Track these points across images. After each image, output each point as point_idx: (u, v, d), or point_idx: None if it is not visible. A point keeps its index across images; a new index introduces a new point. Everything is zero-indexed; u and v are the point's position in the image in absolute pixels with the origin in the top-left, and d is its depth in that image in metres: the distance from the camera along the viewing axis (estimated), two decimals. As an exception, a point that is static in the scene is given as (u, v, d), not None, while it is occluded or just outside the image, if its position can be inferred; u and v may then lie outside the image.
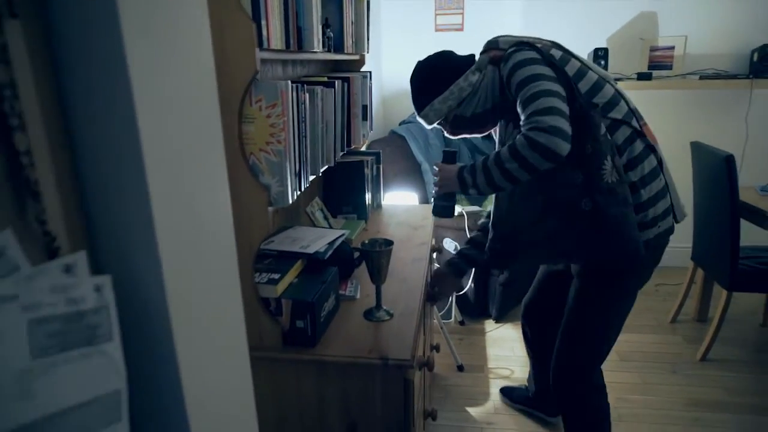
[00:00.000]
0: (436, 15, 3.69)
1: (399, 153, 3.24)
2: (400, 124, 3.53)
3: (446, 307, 2.89)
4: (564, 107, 1.29)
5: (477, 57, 1.56)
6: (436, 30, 3.69)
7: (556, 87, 1.32)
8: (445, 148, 1.53)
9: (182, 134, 0.53)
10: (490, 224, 1.59)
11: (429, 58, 1.58)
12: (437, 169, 1.54)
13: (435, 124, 1.61)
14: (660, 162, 1.48)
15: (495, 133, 1.65)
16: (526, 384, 2.28)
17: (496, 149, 1.43)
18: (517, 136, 1.31)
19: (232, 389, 0.64)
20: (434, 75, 1.54)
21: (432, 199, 1.72)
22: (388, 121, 3.75)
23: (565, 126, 1.26)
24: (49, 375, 0.41)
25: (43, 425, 0.41)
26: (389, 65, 3.70)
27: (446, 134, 1.65)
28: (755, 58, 3.13)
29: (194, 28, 0.54)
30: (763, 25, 3.17)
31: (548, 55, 1.40)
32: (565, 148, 1.26)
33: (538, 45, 1.44)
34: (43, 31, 0.42)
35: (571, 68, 1.43)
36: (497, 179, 1.36)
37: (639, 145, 1.44)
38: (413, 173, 3.21)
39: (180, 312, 0.52)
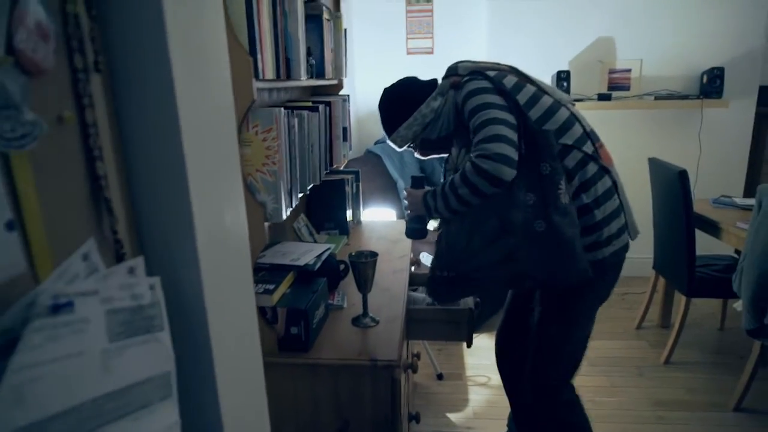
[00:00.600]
0: (407, 39, 3.86)
1: (375, 171, 3.37)
2: (375, 144, 3.67)
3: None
4: (512, 134, 1.35)
5: (440, 81, 1.64)
6: (408, 53, 3.86)
7: (505, 115, 1.38)
8: (414, 174, 1.64)
9: (213, 162, 0.63)
10: (434, 254, 1.59)
11: (393, 86, 1.66)
12: (406, 193, 1.63)
13: (405, 147, 1.69)
14: (614, 183, 1.51)
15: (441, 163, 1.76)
16: (507, 428, 2.16)
17: (444, 173, 1.57)
18: (466, 163, 1.38)
19: (250, 370, 0.75)
20: (398, 102, 1.61)
21: (405, 222, 1.79)
22: (363, 140, 3.88)
23: (511, 153, 1.32)
24: (122, 356, 0.51)
25: (118, 396, 0.50)
26: (363, 87, 3.84)
27: (416, 155, 1.74)
28: (705, 79, 3.37)
29: (222, 77, 0.66)
30: (712, 49, 3.42)
31: (499, 84, 1.46)
32: (508, 174, 1.32)
33: (492, 73, 1.49)
34: (110, 82, 0.52)
35: (523, 96, 1.47)
36: (453, 204, 1.43)
37: (592, 168, 1.47)
38: (389, 190, 3.34)
39: (214, 308, 0.63)
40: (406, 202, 1.62)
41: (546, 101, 1.49)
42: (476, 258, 1.49)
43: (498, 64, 1.59)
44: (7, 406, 0.38)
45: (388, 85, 1.69)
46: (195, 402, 0.64)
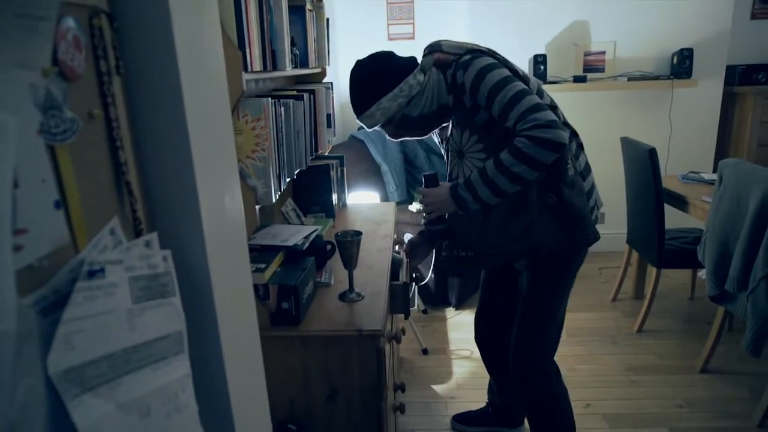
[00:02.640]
0: (388, 25, 3.93)
1: (359, 156, 3.45)
2: (358, 129, 3.75)
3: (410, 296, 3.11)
4: (540, 100, 1.36)
5: (419, 60, 1.57)
6: (389, 39, 3.93)
7: (525, 85, 1.38)
8: (424, 173, 1.56)
9: (214, 150, 0.72)
10: (445, 234, 1.59)
11: (372, 57, 1.54)
12: (422, 195, 1.54)
13: (377, 127, 1.58)
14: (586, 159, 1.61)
15: (438, 142, 1.71)
16: (486, 402, 2.23)
17: (448, 157, 1.54)
18: (518, 139, 1.34)
19: (248, 330, 0.85)
20: (379, 74, 1.50)
21: (424, 226, 1.70)
22: (346, 126, 3.96)
23: (556, 117, 1.33)
24: (143, 315, 0.60)
25: (141, 349, 0.60)
26: (345, 73, 3.90)
27: (387, 137, 1.64)
28: (675, 60, 3.50)
29: (219, 74, 0.74)
30: (682, 31, 3.54)
31: (504, 60, 1.46)
32: (566, 137, 1.32)
33: (486, 51, 1.49)
34: (127, 82, 0.61)
35: (530, 82, 1.49)
36: (505, 186, 1.38)
37: (574, 144, 1.55)
38: (373, 174, 3.43)
39: (218, 277, 0.72)
40: (420, 205, 1.57)
41: (533, 80, 1.52)
42: (494, 236, 1.52)
43: (478, 45, 1.55)
44: (61, 349, 0.48)
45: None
46: (203, 357, 0.73)
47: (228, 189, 0.78)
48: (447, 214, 1.60)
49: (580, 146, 1.59)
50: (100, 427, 0.50)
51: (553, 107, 1.51)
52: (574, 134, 1.57)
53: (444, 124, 1.62)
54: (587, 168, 1.60)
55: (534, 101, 1.34)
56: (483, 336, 2.02)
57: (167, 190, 0.66)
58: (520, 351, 1.72)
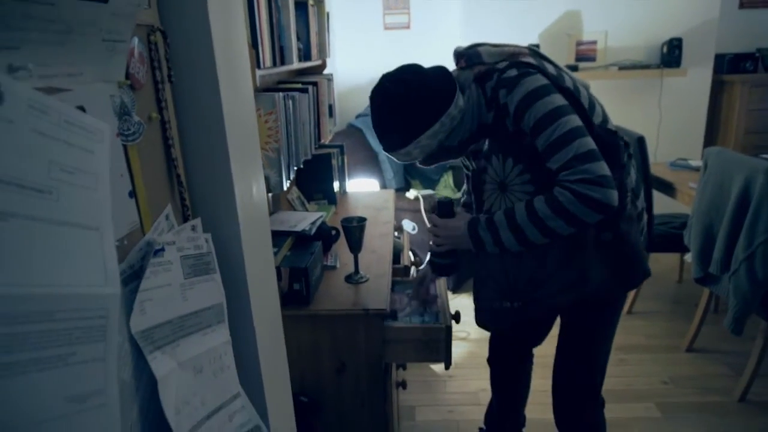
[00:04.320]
0: (384, 15, 3.99)
1: (357, 144, 3.54)
2: (356, 117, 3.83)
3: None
4: (594, 145, 1.15)
5: (447, 69, 1.31)
6: (385, 29, 3.99)
7: (578, 120, 1.17)
8: (439, 198, 1.38)
9: (243, 145, 0.82)
10: (482, 281, 1.41)
11: (403, 83, 1.23)
12: (434, 224, 1.38)
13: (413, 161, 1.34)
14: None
15: (465, 166, 1.46)
16: (483, 426, 1.97)
17: (481, 189, 1.34)
18: (559, 190, 1.15)
19: (272, 308, 0.95)
20: (417, 107, 1.23)
21: (429, 257, 1.53)
22: (344, 115, 4.04)
23: (609, 172, 1.13)
24: (192, 289, 0.70)
25: (193, 317, 0.70)
26: (342, 63, 3.98)
27: (418, 164, 1.38)
28: (665, 50, 3.59)
29: (246, 79, 0.84)
30: (672, 21, 3.63)
31: (556, 80, 1.22)
32: (616, 198, 1.13)
33: (535, 62, 1.24)
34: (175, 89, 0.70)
35: (582, 96, 1.25)
36: (533, 237, 1.20)
37: (624, 155, 1.28)
38: (372, 162, 3.52)
39: (250, 258, 0.82)
40: (432, 235, 1.37)
41: (583, 92, 1.28)
42: (548, 283, 1.30)
43: (518, 46, 1.31)
44: (138, 314, 0.58)
45: (378, 82, 1.28)
46: (238, 326, 0.83)
47: (255, 179, 0.88)
48: (471, 253, 1.38)
49: (630, 156, 1.32)
50: (170, 379, 0.60)
51: (602, 109, 1.31)
52: (625, 144, 1.30)
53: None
54: (638, 184, 1.37)
55: (587, 147, 1.13)
56: (500, 358, 1.78)
57: (207, 180, 0.75)
58: (575, 383, 1.52)
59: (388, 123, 1.27)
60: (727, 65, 3.81)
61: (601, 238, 1.26)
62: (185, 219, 0.72)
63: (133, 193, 0.58)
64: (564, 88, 1.21)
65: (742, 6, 3.91)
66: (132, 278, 0.59)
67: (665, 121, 3.78)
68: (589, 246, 1.26)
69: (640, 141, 2.73)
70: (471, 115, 1.27)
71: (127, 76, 0.56)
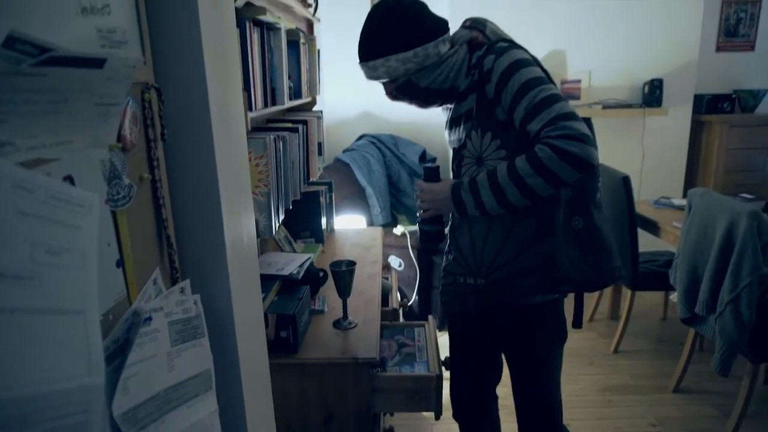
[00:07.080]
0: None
1: (344, 179, 3.52)
2: (343, 152, 3.82)
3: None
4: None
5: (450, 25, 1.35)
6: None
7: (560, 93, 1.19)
8: (425, 164, 1.32)
9: (237, 197, 0.78)
10: (450, 257, 1.41)
11: (399, 2, 1.30)
12: (419, 189, 1.37)
13: (378, 81, 1.36)
14: None
15: (449, 142, 1.45)
16: None
17: (459, 162, 1.33)
18: (540, 146, 1.15)
19: (261, 368, 0.90)
20: (400, 27, 1.28)
21: (417, 225, 1.47)
22: (331, 149, 4.02)
23: (589, 132, 1.14)
24: (180, 356, 0.66)
25: (179, 388, 0.65)
26: (329, 96, 3.98)
27: (386, 94, 1.40)
28: (646, 90, 3.67)
29: (241, 132, 0.81)
30: (653, 62, 3.72)
31: (536, 60, 1.28)
32: (596, 156, 1.14)
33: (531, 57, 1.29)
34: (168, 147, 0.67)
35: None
36: (513, 197, 1.20)
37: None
38: (358, 198, 3.50)
39: (240, 316, 0.78)
40: (418, 201, 1.37)
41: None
42: (512, 264, 1.30)
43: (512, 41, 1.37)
44: (121, 395, 0.53)
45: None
46: (227, 391, 0.79)
47: (246, 230, 0.84)
48: (450, 222, 1.41)
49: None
50: (154, 463, 0.55)
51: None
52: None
53: (448, 105, 1.42)
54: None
55: (569, 109, 1.15)
56: (463, 411, 1.66)
57: (198, 240, 0.72)
58: (537, 408, 1.51)
59: (370, 31, 1.32)
60: (706, 105, 3.90)
61: (572, 224, 1.27)
62: (174, 281, 0.68)
63: (120, 263, 0.54)
64: (543, 69, 1.26)
65: (719, 49, 4.03)
66: (117, 353, 0.54)
67: (648, 159, 3.84)
68: (559, 232, 1.27)
69: (625, 181, 2.75)
70: (449, 69, 1.31)
71: (119, 138, 0.53)
